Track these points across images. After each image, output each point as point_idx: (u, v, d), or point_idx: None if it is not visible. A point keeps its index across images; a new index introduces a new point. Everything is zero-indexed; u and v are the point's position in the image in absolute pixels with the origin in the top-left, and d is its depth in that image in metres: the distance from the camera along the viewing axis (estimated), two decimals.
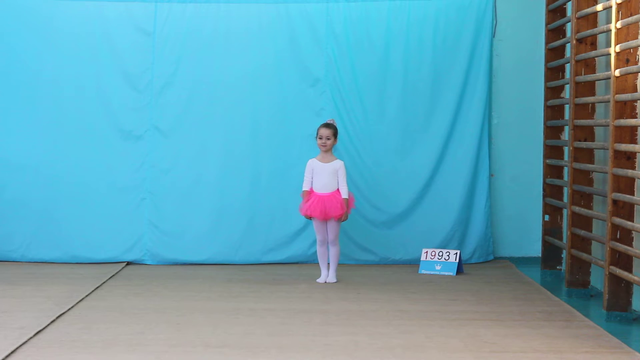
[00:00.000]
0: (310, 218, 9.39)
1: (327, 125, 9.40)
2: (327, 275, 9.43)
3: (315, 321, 7.62)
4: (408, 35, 10.55)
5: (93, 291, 8.81)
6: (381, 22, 10.55)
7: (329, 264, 9.46)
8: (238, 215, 10.50)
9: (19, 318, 7.60)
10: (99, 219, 10.41)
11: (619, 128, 7.96)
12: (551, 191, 10.24)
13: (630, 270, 7.93)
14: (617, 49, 7.97)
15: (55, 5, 10.45)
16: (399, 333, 7.22)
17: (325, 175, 9.33)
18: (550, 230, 10.20)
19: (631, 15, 7.94)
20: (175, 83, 10.51)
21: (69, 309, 7.99)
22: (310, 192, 9.36)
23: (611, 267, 7.95)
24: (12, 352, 6.58)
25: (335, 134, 9.38)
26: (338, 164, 9.36)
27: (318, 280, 9.42)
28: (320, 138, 9.38)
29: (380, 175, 10.53)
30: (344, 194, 9.30)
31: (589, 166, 8.89)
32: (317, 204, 9.28)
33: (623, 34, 8.01)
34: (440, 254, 10.00)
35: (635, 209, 7.93)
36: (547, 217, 10.24)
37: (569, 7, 9.90)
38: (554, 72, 10.18)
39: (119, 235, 10.42)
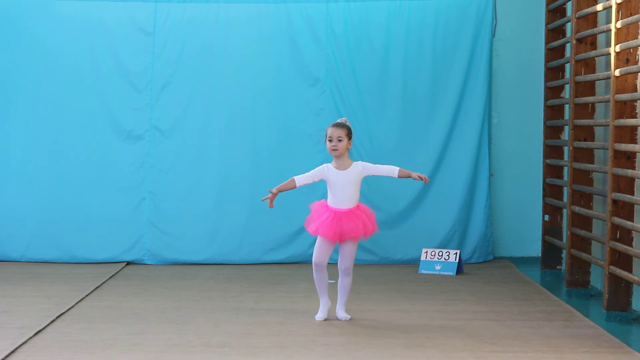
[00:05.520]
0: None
1: (336, 125, 7.50)
2: (328, 305, 7.61)
3: (315, 321, 7.61)
4: (408, 34, 10.55)
5: (93, 291, 8.81)
6: (381, 21, 10.54)
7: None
8: (238, 215, 10.50)
9: (19, 318, 7.60)
10: (99, 219, 10.41)
11: (618, 128, 7.96)
12: (551, 191, 10.24)
13: (630, 270, 7.93)
14: (617, 48, 7.97)
15: (54, 5, 10.44)
16: (399, 333, 7.22)
17: (345, 186, 7.48)
18: (550, 230, 10.20)
19: (631, 15, 7.94)
20: (175, 83, 10.51)
21: (69, 309, 7.99)
22: (323, 206, 7.56)
23: (611, 267, 7.94)
24: (12, 352, 6.58)
25: (348, 134, 7.49)
26: (359, 166, 7.56)
27: (317, 316, 7.63)
28: (330, 140, 7.47)
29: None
30: (394, 171, 7.65)
31: (589, 166, 8.89)
32: (332, 222, 7.42)
33: (623, 34, 8.01)
34: (440, 253, 10.00)
35: (635, 208, 7.93)
36: (547, 217, 10.23)
37: (569, 7, 9.90)
38: (554, 72, 10.18)
39: (119, 235, 10.42)
